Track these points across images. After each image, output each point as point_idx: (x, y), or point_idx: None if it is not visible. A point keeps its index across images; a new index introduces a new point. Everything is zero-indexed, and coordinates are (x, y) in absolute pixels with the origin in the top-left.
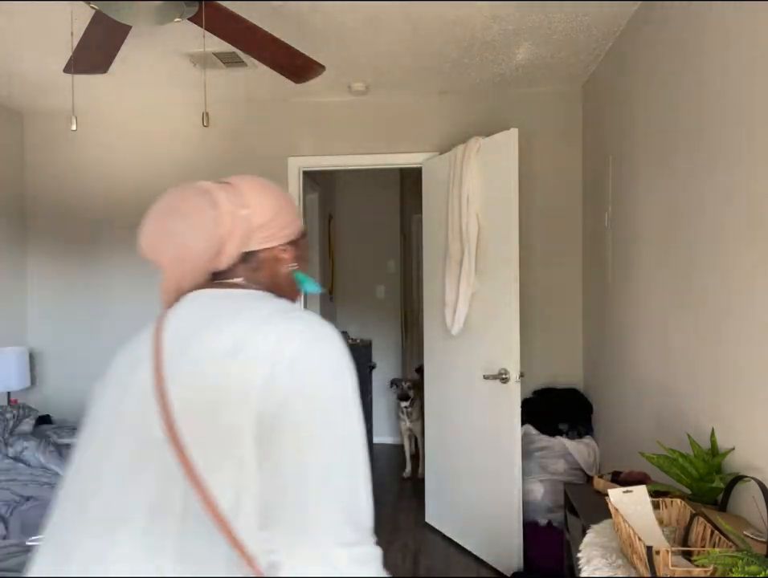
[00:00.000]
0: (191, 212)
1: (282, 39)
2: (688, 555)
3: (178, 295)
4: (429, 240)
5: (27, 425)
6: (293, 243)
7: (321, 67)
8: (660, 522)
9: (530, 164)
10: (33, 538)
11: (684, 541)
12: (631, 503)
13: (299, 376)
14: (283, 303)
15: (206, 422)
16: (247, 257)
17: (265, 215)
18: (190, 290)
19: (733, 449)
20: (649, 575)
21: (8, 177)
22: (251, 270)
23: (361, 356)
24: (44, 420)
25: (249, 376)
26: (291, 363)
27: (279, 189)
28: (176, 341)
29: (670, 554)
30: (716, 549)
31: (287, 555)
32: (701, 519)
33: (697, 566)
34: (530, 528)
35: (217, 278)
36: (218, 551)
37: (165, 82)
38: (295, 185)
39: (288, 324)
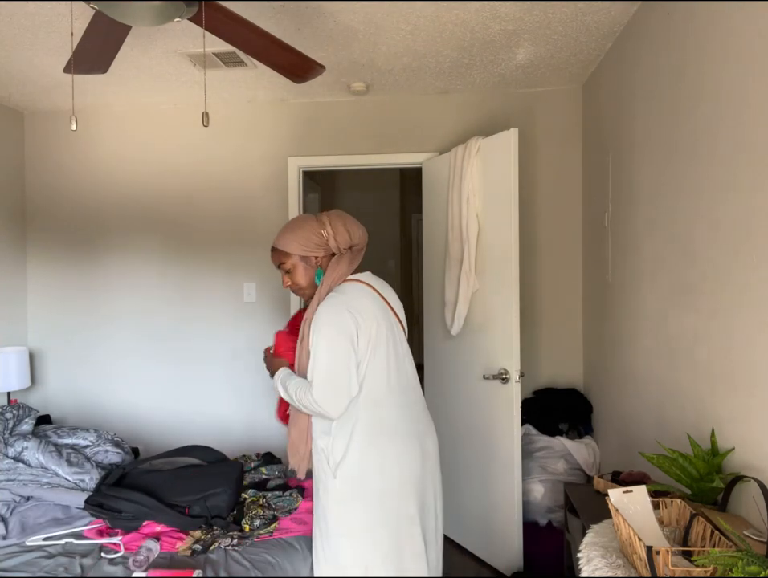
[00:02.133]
0: None
1: (282, 39)
2: (688, 555)
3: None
4: (429, 240)
5: (27, 425)
6: None
7: (321, 67)
8: (660, 522)
9: (530, 164)
10: (33, 538)
11: (684, 541)
12: (631, 503)
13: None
14: None
15: (404, 323)
16: None
17: None
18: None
19: (733, 449)
20: (649, 576)
21: (8, 177)
22: None
23: None
24: (44, 420)
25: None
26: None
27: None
28: (382, 291)
29: (670, 554)
30: (716, 549)
31: None
32: (701, 519)
33: (697, 566)
34: (530, 528)
35: None
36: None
37: (165, 82)
38: (295, 185)
39: None
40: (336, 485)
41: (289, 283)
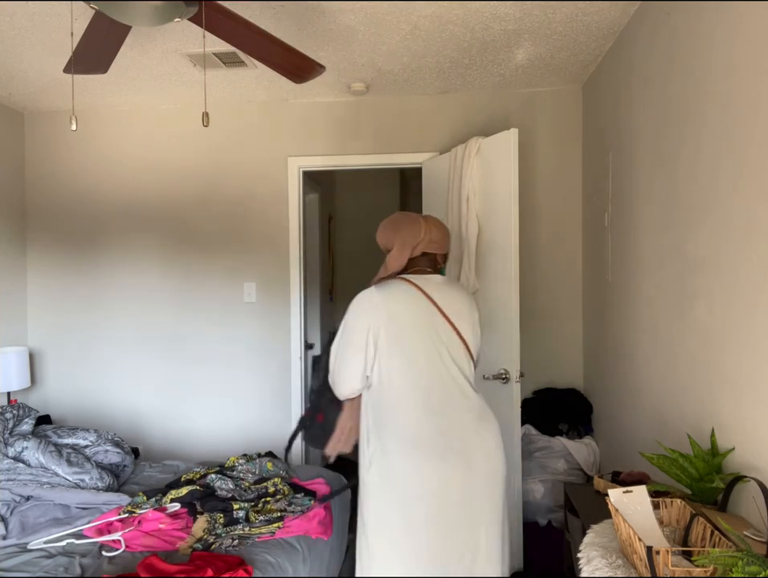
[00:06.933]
0: None
1: (282, 39)
2: (688, 555)
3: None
4: None
5: (27, 425)
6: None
7: (321, 67)
8: (660, 522)
9: (530, 164)
10: (34, 542)
11: (684, 541)
12: (631, 503)
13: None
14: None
15: (466, 328)
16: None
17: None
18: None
19: (733, 449)
20: (649, 576)
21: (8, 177)
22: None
23: None
24: (44, 420)
25: (476, 315)
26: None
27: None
28: (437, 295)
29: (670, 554)
30: (716, 549)
31: None
32: (701, 519)
33: (697, 566)
34: (530, 528)
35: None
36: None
37: (165, 82)
38: (295, 185)
39: (469, 295)
40: (366, 478)
41: None
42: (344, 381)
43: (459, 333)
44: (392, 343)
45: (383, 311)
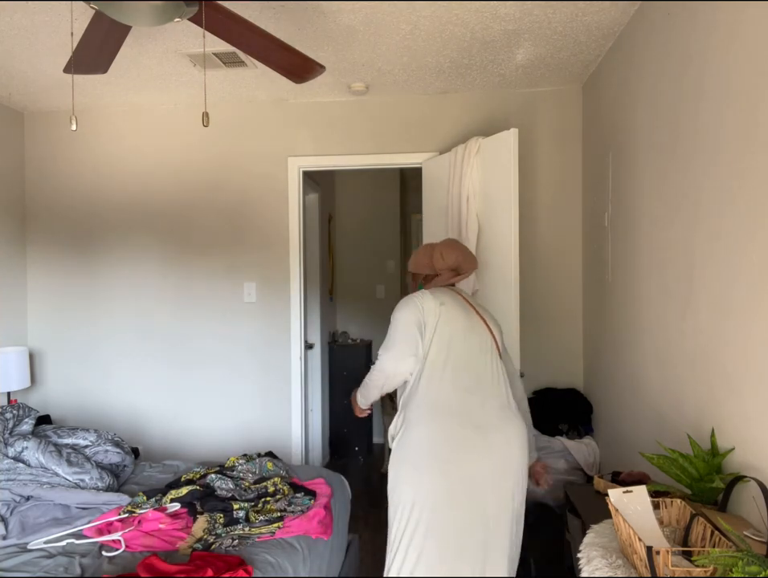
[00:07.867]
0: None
1: (282, 39)
2: (688, 555)
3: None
4: (429, 240)
5: (27, 425)
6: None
7: (321, 67)
8: (660, 522)
9: (530, 164)
10: (34, 541)
11: (684, 541)
12: (631, 503)
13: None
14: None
15: (493, 327)
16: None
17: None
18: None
19: (733, 449)
20: (649, 576)
21: (8, 177)
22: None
23: (361, 356)
24: (44, 420)
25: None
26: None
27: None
28: (470, 299)
29: (670, 554)
30: (716, 549)
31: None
32: (701, 519)
33: (697, 566)
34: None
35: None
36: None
37: (165, 82)
38: (295, 185)
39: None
40: (392, 447)
41: None
42: (391, 359)
43: (489, 328)
44: (434, 325)
45: (431, 300)
